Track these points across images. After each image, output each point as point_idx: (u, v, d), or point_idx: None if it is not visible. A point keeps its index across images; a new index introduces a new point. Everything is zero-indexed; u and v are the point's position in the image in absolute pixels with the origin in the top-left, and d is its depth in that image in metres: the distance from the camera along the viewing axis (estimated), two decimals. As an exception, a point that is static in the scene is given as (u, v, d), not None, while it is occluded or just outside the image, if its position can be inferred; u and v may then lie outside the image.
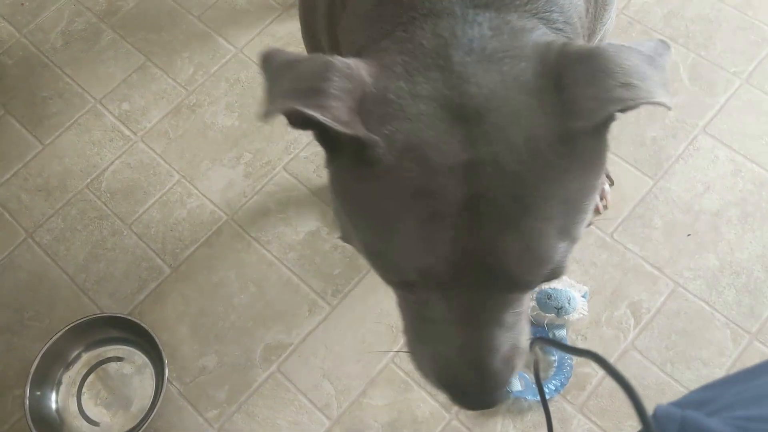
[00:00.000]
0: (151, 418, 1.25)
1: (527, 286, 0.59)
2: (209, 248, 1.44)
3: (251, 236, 1.45)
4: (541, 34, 0.60)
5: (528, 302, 0.67)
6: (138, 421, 1.28)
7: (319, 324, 1.36)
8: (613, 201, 1.42)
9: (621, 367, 1.27)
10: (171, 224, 1.47)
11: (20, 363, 1.35)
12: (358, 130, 0.55)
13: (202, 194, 1.50)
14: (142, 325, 1.31)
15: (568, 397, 1.27)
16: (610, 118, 0.57)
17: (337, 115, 0.54)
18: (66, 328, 1.31)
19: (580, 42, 0.69)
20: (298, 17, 1.04)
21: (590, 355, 0.47)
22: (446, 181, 0.54)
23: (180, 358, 1.35)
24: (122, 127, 1.58)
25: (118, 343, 1.36)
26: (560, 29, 0.64)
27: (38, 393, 1.29)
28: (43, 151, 1.57)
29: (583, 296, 1.30)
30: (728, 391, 0.52)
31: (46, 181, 1.53)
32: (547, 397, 1.25)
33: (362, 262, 1.39)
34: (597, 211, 1.41)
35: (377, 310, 1.36)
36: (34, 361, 1.28)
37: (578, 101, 0.54)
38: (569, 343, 1.31)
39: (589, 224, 1.33)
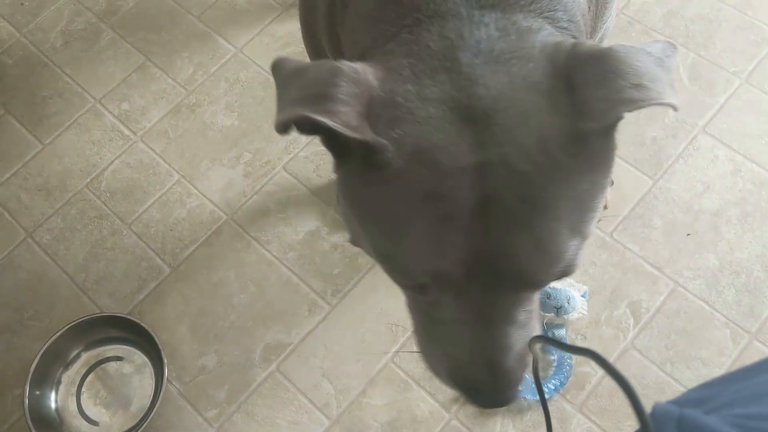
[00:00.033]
0: (150, 417, 1.25)
1: (539, 285, 0.59)
2: (209, 248, 1.44)
3: (251, 236, 1.45)
4: (547, 35, 0.60)
5: (538, 300, 0.67)
6: (137, 420, 1.28)
7: (318, 324, 1.36)
8: (613, 201, 1.42)
9: (620, 367, 1.28)
10: (171, 224, 1.47)
11: (20, 362, 1.35)
12: (367, 134, 0.55)
13: (202, 194, 1.50)
14: (142, 324, 1.31)
15: (568, 397, 1.27)
16: (620, 118, 0.57)
17: (346, 120, 0.54)
18: (65, 328, 1.31)
19: (584, 40, 0.69)
20: (298, 17, 1.04)
21: (588, 354, 0.47)
22: (456, 183, 0.54)
23: (179, 358, 1.35)
24: (122, 127, 1.58)
25: (117, 342, 1.36)
26: (565, 28, 0.64)
27: (38, 392, 1.29)
28: (42, 151, 1.57)
29: (582, 296, 1.30)
30: (727, 390, 0.52)
31: (46, 180, 1.53)
32: (547, 396, 1.25)
33: (362, 261, 1.40)
34: (597, 211, 1.41)
35: (377, 309, 1.36)
36: (34, 360, 1.28)
37: (589, 102, 0.54)
38: (569, 342, 1.31)
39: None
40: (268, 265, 1.42)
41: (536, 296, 0.65)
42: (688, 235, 1.39)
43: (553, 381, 1.26)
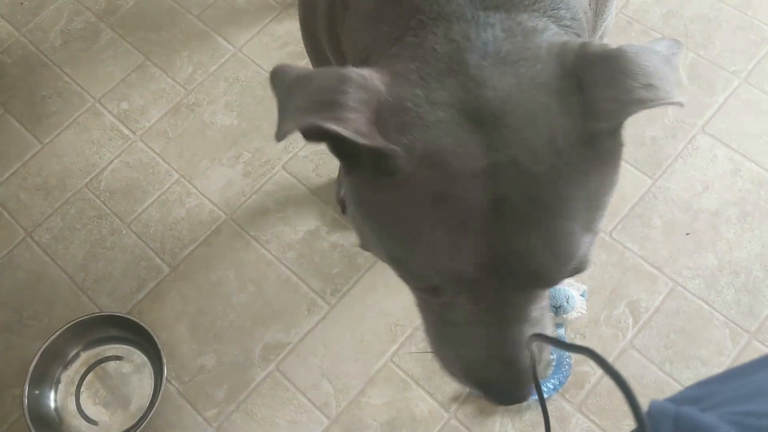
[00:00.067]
0: (149, 417, 1.25)
1: (553, 283, 0.60)
2: (208, 247, 1.44)
3: (250, 235, 1.45)
4: (552, 34, 0.60)
5: (548, 296, 0.68)
6: (137, 420, 1.28)
7: (317, 323, 1.36)
8: (613, 200, 1.41)
9: (620, 366, 1.28)
10: (170, 223, 1.47)
11: (19, 362, 1.35)
12: (377, 140, 0.54)
13: (201, 193, 1.50)
14: (141, 324, 1.31)
15: (567, 396, 1.27)
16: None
17: (357, 127, 0.53)
18: (65, 327, 1.31)
19: (591, 39, 0.69)
20: (297, 16, 1.04)
21: (585, 352, 0.47)
22: (468, 186, 0.54)
23: (179, 357, 1.35)
24: (121, 126, 1.58)
25: (116, 342, 1.36)
26: (568, 26, 0.64)
27: (37, 392, 1.29)
28: (42, 150, 1.57)
29: (581, 295, 1.30)
30: (725, 387, 0.52)
31: (45, 180, 1.53)
32: (546, 395, 1.25)
33: (361, 261, 1.40)
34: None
35: (376, 309, 1.36)
36: (33, 359, 1.28)
37: (599, 103, 0.54)
38: (568, 341, 1.31)
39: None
40: (267, 265, 1.42)
41: (547, 293, 0.66)
42: (688, 234, 1.39)
43: (552, 380, 1.26)
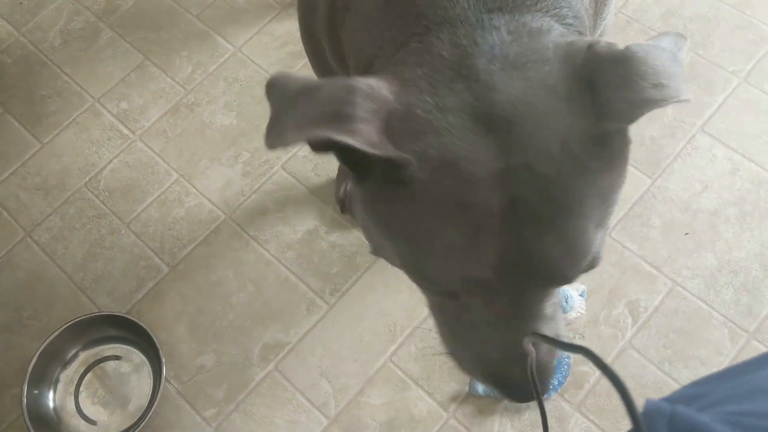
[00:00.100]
0: (148, 416, 1.25)
1: (569, 280, 0.60)
2: (207, 247, 1.44)
3: (249, 235, 1.45)
4: (558, 35, 0.60)
5: (559, 292, 0.69)
6: (135, 419, 1.28)
7: (317, 323, 1.36)
8: (611, 200, 1.42)
9: (619, 366, 1.28)
10: (169, 223, 1.47)
11: (18, 362, 1.35)
12: (389, 150, 0.54)
13: (201, 193, 1.50)
14: (140, 323, 1.31)
15: (566, 396, 1.27)
16: None
17: (368, 138, 0.53)
18: (64, 327, 1.31)
19: (598, 39, 0.69)
20: (296, 16, 1.03)
21: (581, 351, 0.47)
22: (483, 191, 0.54)
23: (178, 357, 1.35)
24: (120, 126, 1.58)
25: (115, 341, 1.36)
26: (570, 24, 0.64)
27: (36, 392, 1.29)
28: (41, 150, 1.57)
29: (580, 295, 1.30)
30: (721, 386, 0.52)
31: (45, 179, 1.53)
32: (545, 395, 1.25)
33: (360, 261, 1.40)
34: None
35: (375, 309, 1.36)
36: (32, 359, 1.28)
37: (612, 104, 0.54)
38: (567, 342, 1.31)
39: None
40: (266, 265, 1.42)
41: (559, 289, 0.66)
42: (687, 234, 1.39)
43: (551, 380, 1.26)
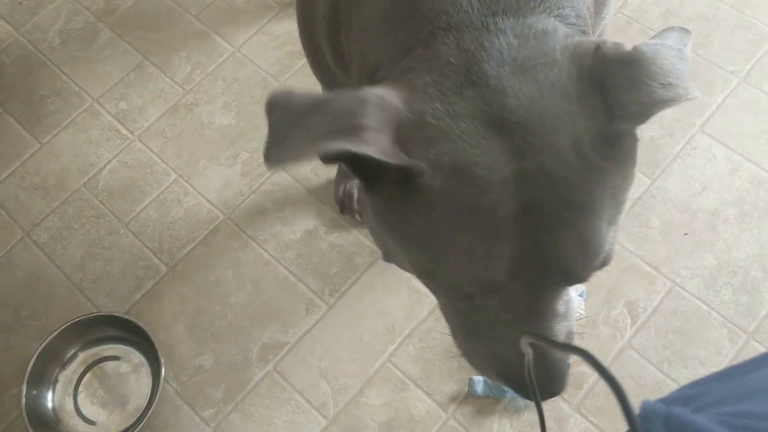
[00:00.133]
0: (147, 417, 1.25)
1: (584, 279, 0.61)
2: (206, 247, 1.44)
3: (248, 235, 1.45)
4: (563, 36, 0.60)
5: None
6: (134, 420, 1.28)
7: (316, 323, 1.36)
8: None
9: (618, 367, 1.28)
10: (168, 223, 1.47)
11: (17, 361, 1.35)
12: (403, 159, 0.54)
13: (199, 193, 1.50)
14: (139, 324, 1.31)
15: (565, 396, 1.27)
16: None
17: (383, 147, 0.53)
18: (63, 327, 1.31)
19: (591, 34, 0.69)
20: (295, 16, 1.03)
21: (578, 352, 0.47)
22: (498, 195, 0.54)
23: (177, 357, 1.35)
24: (119, 126, 1.58)
25: (114, 342, 1.36)
26: (574, 23, 0.64)
27: (35, 392, 1.29)
28: (40, 150, 1.57)
29: (579, 295, 1.30)
30: (720, 387, 0.52)
31: (44, 179, 1.53)
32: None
33: (359, 261, 1.40)
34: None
35: (374, 309, 1.36)
36: (31, 359, 1.28)
37: (623, 105, 0.54)
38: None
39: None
40: (265, 265, 1.42)
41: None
42: (686, 234, 1.39)
43: (550, 380, 1.26)
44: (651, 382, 1.27)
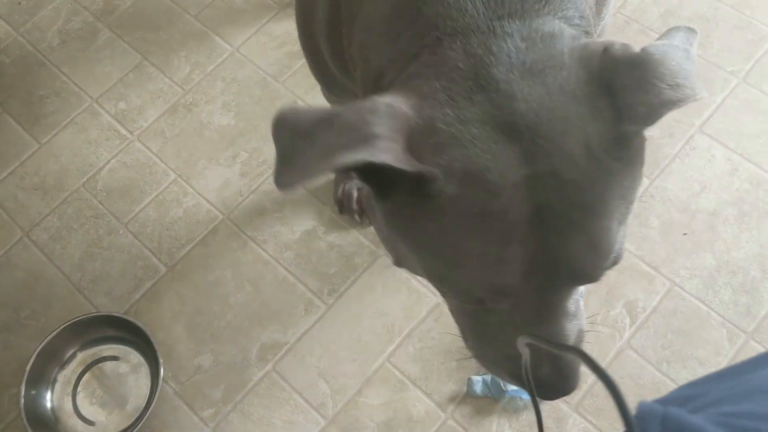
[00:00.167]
0: (146, 417, 1.25)
1: (595, 279, 0.61)
2: (205, 247, 1.44)
3: (247, 235, 1.45)
4: (570, 38, 0.60)
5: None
6: (133, 420, 1.28)
7: (315, 323, 1.36)
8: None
9: (617, 367, 1.28)
10: (167, 223, 1.47)
11: (16, 361, 1.35)
12: (416, 165, 0.54)
13: (198, 193, 1.50)
14: (138, 324, 1.31)
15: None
16: None
17: (397, 155, 0.53)
18: (62, 327, 1.31)
19: (594, 34, 0.69)
20: (294, 17, 1.03)
21: (574, 352, 0.47)
22: (510, 200, 0.55)
23: (176, 357, 1.35)
24: (119, 126, 1.58)
25: (113, 342, 1.36)
26: (577, 24, 0.64)
27: (33, 392, 1.29)
28: (39, 150, 1.57)
29: (579, 295, 1.30)
30: (719, 387, 0.52)
31: (43, 179, 1.53)
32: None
33: (358, 261, 1.40)
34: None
35: (373, 309, 1.36)
36: (30, 359, 1.28)
37: (631, 107, 0.55)
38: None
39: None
40: (264, 265, 1.42)
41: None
42: (685, 234, 1.39)
43: (549, 380, 1.26)
44: (650, 382, 1.27)
